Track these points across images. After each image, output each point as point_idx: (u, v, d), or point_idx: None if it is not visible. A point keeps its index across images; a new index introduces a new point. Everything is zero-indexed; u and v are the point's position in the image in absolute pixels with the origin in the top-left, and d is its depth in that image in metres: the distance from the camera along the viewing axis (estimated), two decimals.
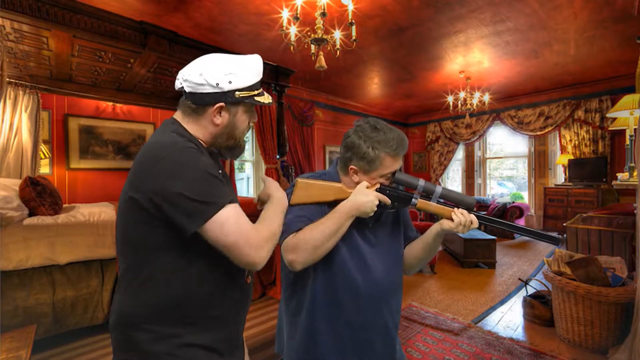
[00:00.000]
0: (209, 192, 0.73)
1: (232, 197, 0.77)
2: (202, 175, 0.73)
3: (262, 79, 0.91)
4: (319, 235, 0.88)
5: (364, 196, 0.93)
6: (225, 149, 0.90)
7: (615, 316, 2.14)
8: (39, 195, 2.35)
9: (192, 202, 0.70)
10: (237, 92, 0.83)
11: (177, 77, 0.86)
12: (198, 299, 0.79)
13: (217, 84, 0.80)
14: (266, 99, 0.90)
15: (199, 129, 0.85)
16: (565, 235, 3.28)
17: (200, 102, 0.82)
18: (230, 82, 0.81)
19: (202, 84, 0.80)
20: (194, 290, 0.78)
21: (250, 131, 5.83)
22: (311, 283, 0.99)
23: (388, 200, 0.96)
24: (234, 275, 0.85)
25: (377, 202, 0.93)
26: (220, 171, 0.90)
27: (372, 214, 0.94)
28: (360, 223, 0.99)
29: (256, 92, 0.87)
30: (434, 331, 2.52)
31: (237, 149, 0.93)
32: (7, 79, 2.76)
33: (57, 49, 2.37)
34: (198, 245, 0.77)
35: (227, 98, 0.82)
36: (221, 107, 0.83)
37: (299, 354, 1.01)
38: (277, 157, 3.42)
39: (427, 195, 0.97)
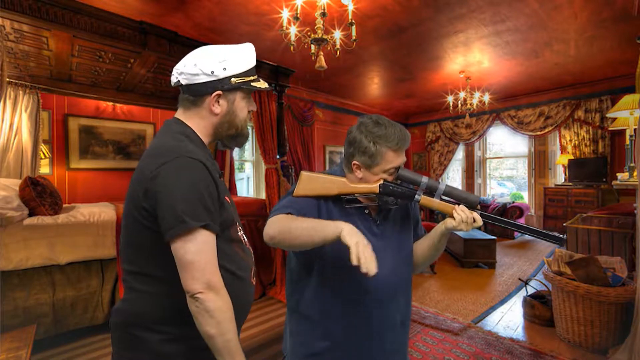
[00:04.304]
0: (192, 211, 0.71)
1: (213, 221, 0.74)
2: (194, 192, 0.72)
3: (256, 66, 0.91)
4: (294, 224, 0.84)
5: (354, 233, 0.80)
6: (228, 138, 0.90)
7: (615, 316, 2.14)
8: (39, 196, 2.35)
9: (174, 215, 0.70)
10: (232, 79, 0.83)
11: (172, 72, 0.85)
12: None
13: (212, 72, 0.80)
14: (263, 84, 0.90)
15: (200, 121, 0.85)
16: (565, 235, 3.27)
17: (198, 92, 0.83)
18: (224, 69, 0.81)
19: (197, 74, 0.81)
20: None
21: (249, 131, 5.83)
22: (315, 278, 0.98)
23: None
24: (241, 276, 0.85)
25: (366, 242, 0.77)
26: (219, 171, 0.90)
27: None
28: (366, 219, 1.00)
29: (252, 77, 0.87)
30: (434, 331, 2.52)
31: (240, 138, 0.92)
32: (7, 79, 2.76)
33: (57, 49, 2.36)
34: None
35: (224, 85, 0.83)
36: (219, 95, 0.83)
37: (302, 351, 1.00)
38: (277, 157, 3.42)
39: (431, 192, 0.97)
